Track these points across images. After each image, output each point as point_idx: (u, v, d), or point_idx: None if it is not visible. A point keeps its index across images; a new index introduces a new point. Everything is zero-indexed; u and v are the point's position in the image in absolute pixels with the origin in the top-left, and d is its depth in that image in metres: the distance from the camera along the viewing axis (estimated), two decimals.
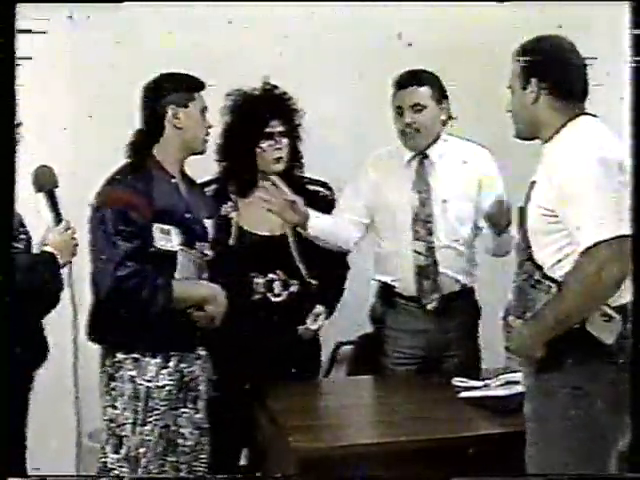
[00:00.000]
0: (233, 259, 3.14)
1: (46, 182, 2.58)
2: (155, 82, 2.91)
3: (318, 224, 3.12)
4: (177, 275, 2.85)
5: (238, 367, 3.11)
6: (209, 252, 2.96)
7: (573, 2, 2.83)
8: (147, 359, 2.83)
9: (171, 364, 2.85)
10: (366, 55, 3.69)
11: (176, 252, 2.82)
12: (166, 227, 2.80)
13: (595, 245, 2.24)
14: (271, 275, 3.16)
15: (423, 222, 3.19)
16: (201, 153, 2.95)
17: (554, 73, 2.40)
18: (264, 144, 3.17)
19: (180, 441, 2.89)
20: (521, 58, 2.44)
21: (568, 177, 2.30)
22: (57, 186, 2.59)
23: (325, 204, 3.27)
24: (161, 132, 2.89)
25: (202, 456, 2.95)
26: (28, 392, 2.58)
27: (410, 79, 3.18)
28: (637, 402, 2.31)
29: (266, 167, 3.19)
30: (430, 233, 3.20)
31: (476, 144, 3.30)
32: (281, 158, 3.18)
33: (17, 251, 2.47)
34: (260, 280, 3.15)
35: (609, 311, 2.30)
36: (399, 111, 3.18)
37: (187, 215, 2.89)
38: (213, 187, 3.23)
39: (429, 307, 3.23)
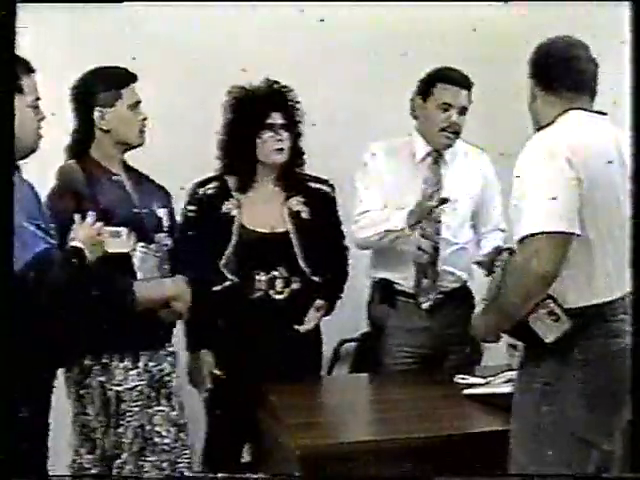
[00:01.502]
0: (235, 256, 3.13)
1: (70, 182, 2.55)
2: (81, 82, 2.88)
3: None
4: (139, 274, 2.84)
5: (240, 364, 3.11)
6: (168, 242, 2.96)
7: (573, 2, 2.82)
8: (115, 362, 2.82)
9: (140, 364, 2.86)
10: (368, 52, 3.69)
11: (128, 254, 2.79)
12: (115, 229, 2.74)
13: (526, 237, 2.23)
14: (273, 272, 3.15)
15: (432, 220, 3.18)
16: (139, 146, 2.93)
17: (540, 68, 2.42)
18: (265, 135, 3.15)
19: (158, 440, 2.88)
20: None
21: (518, 168, 2.31)
22: (84, 183, 2.56)
23: (326, 202, 3.26)
24: (92, 134, 2.88)
25: (185, 453, 2.94)
26: (50, 392, 2.54)
27: (465, 81, 3.17)
28: (637, 403, 2.30)
29: (266, 158, 3.17)
30: (438, 232, 3.20)
31: (474, 146, 3.31)
32: (282, 149, 3.16)
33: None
34: (262, 277, 3.14)
35: (557, 310, 2.28)
36: (445, 107, 3.16)
37: (135, 210, 2.87)
38: (214, 185, 3.21)
39: (424, 306, 3.23)
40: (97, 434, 2.83)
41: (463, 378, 2.99)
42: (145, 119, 2.91)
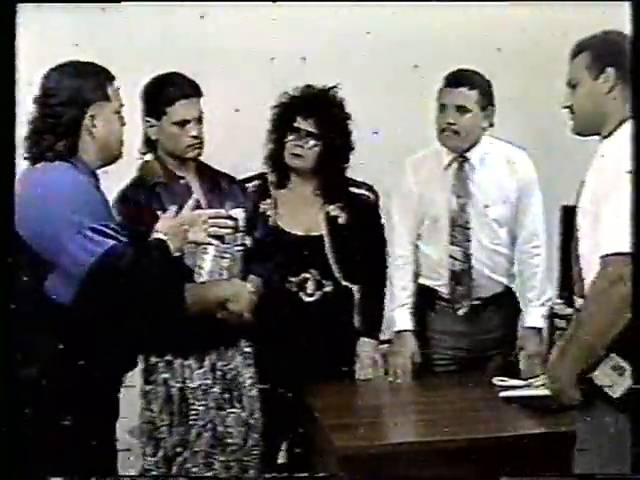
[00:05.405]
0: (267, 257, 3.12)
1: (150, 176, 2.55)
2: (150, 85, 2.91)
3: None
4: (205, 274, 2.84)
5: (273, 364, 3.10)
6: (245, 241, 2.96)
7: (573, 2, 2.81)
8: (179, 361, 2.84)
9: (206, 363, 2.86)
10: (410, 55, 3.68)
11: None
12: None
13: (611, 256, 2.12)
14: (304, 274, 3.16)
15: (461, 227, 3.17)
16: (194, 157, 2.91)
17: (628, 64, 2.31)
18: (289, 137, 3.17)
19: (229, 440, 2.89)
20: (582, 51, 2.35)
21: (610, 176, 2.22)
22: (162, 181, 2.55)
23: (368, 208, 3.26)
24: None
25: (254, 452, 2.94)
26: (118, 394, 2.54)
27: (462, 79, 3.12)
28: (637, 403, 2.24)
29: (289, 162, 3.19)
30: (468, 239, 3.17)
31: (514, 146, 3.25)
32: (300, 155, 3.16)
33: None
34: (293, 279, 3.16)
35: (622, 363, 2.18)
36: (442, 109, 3.13)
37: None
38: (255, 183, 3.23)
39: (459, 313, 3.21)
40: (161, 432, 2.85)
41: (502, 380, 2.98)
42: (196, 137, 2.88)
